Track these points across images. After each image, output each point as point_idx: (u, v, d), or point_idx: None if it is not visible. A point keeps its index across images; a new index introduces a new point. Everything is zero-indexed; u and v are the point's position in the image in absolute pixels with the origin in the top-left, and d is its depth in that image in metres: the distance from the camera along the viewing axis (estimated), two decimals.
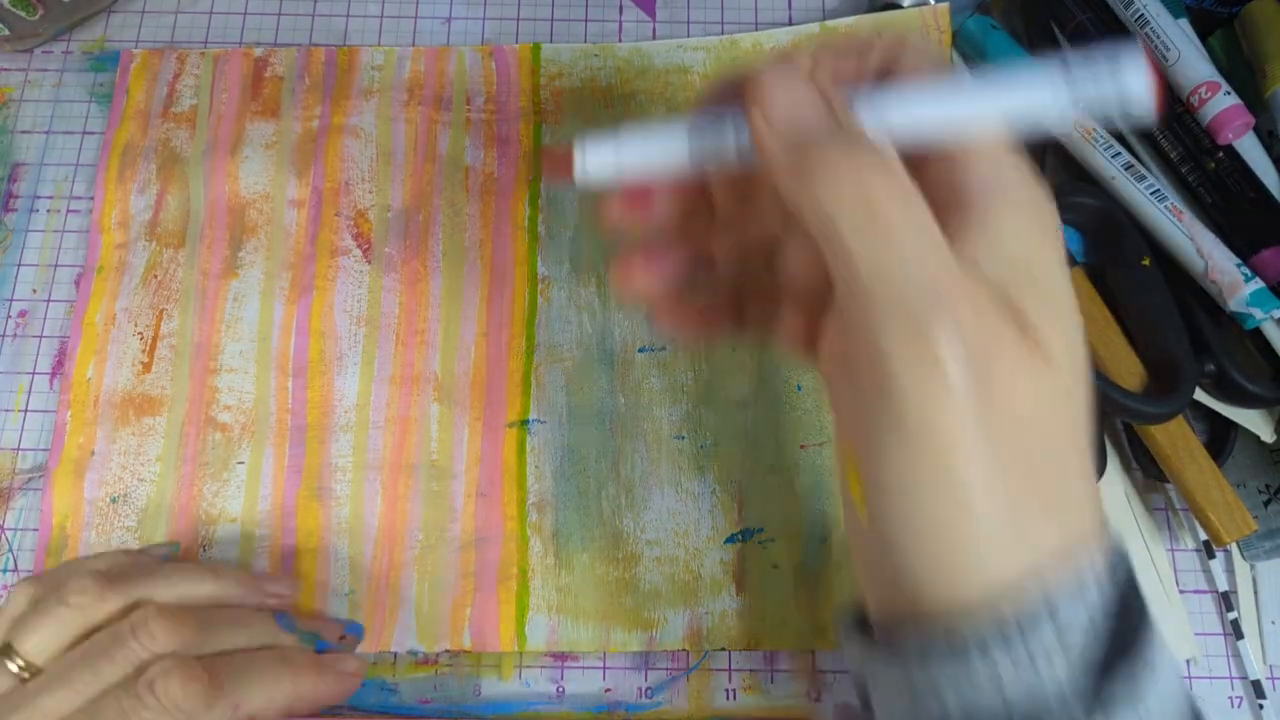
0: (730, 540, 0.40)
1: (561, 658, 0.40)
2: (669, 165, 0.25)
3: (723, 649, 0.39)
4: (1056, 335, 0.22)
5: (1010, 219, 0.23)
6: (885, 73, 0.25)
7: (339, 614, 0.39)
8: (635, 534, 0.40)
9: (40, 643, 0.31)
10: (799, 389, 0.41)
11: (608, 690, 0.40)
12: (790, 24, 0.48)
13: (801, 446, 0.40)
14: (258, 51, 0.47)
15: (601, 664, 0.40)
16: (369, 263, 0.43)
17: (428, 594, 0.39)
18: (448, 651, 0.39)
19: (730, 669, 0.40)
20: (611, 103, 0.45)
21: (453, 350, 0.42)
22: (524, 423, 0.41)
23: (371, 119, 0.45)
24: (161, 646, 0.30)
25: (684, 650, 0.39)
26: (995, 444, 0.22)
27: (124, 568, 0.33)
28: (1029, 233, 0.23)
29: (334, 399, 0.42)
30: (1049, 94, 0.23)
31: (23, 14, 0.45)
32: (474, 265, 0.43)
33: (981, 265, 0.22)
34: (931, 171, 0.24)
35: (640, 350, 0.42)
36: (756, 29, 0.48)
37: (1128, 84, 0.22)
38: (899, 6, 0.46)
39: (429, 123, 0.45)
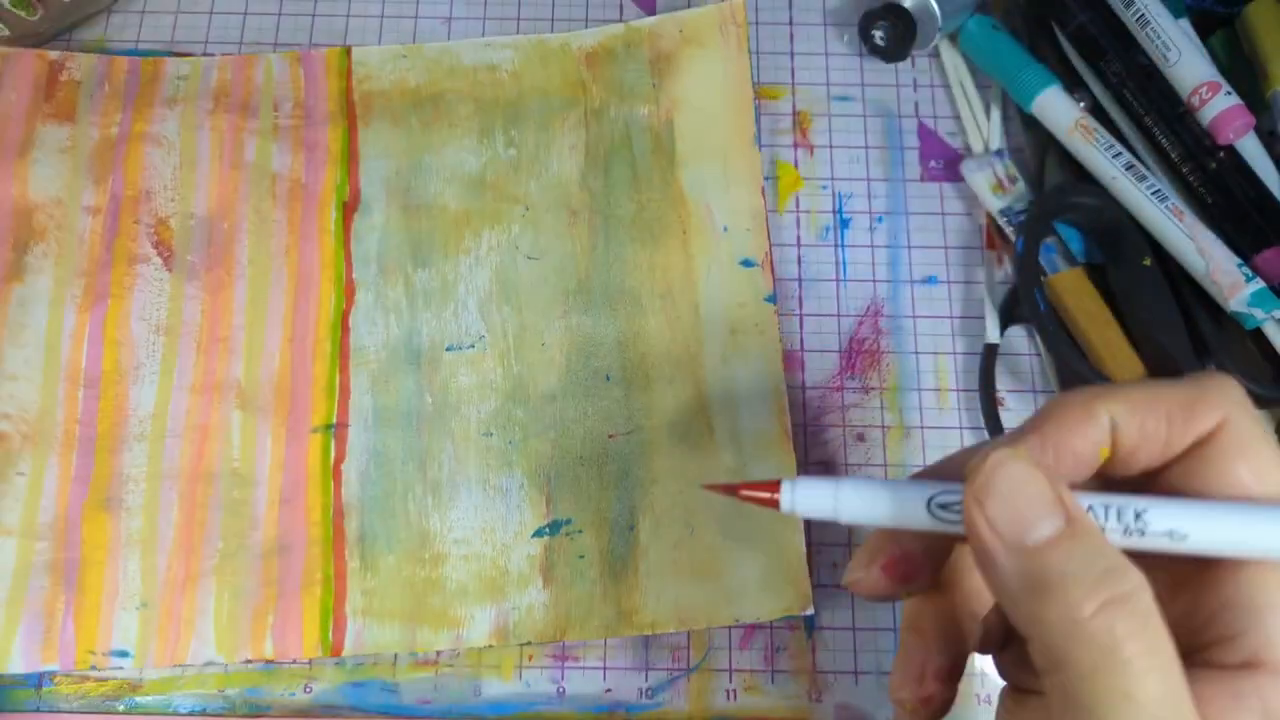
0: (538, 534, 0.39)
1: (562, 658, 0.39)
2: (899, 522, 0.23)
3: (529, 643, 0.38)
4: None
5: None
6: (1198, 442, 0.22)
7: (128, 628, 0.37)
8: (442, 533, 0.39)
9: None
10: (608, 379, 0.41)
11: (608, 690, 0.39)
12: (791, 23, 0.48)
13: (610, 436, 0.40)
14: (52, 55, 0.45)
15: (602, 664, 0.39)
16: (170, 270, 0.42)
17: (227, 603, 0.38)
18: (449, 651, 0.39)
19: (731, 669, 0.39)
20: (420, 103, 0.45)
21: (257, 357, 0.41)
22: (329, 427, 0.41)
23: (175, 127, 0.44)
24: None
25: (494, 645, 0.39)
26: None
27: None
28: None
29: (128, 408, 0.40)
30: None
31: (22, 14, 0.45)
32: (280, 271, 0.43)
33: None
34: (1214, 575, 0.22)
35: (448, 349, 0.42)
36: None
37: None
38: None
39: (235, 130, 0.44)
